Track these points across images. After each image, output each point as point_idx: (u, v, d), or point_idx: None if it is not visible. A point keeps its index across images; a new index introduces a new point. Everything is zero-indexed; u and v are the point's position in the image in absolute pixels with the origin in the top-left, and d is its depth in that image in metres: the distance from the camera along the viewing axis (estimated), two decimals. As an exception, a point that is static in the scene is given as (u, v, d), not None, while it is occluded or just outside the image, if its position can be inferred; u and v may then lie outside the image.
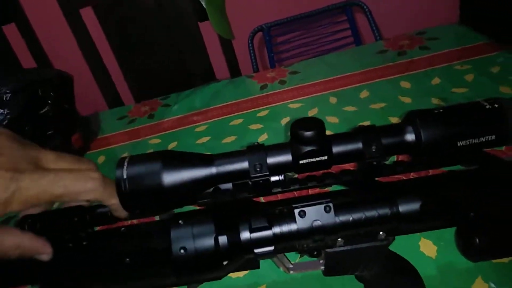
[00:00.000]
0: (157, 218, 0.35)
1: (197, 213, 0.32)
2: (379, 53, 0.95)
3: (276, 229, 0.31)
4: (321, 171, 0.32)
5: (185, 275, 0.31)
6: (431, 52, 0.90)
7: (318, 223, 0.31)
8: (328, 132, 0.30)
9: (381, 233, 0.33)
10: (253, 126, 0.82)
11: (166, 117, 0.95)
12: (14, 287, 0.36)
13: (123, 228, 0.35)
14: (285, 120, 0.82)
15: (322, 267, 0.36)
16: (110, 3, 1.03)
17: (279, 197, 0.36)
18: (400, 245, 0.36)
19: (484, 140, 0.30)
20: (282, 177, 0.31)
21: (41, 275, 0.35)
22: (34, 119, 0.83)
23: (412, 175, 0.41)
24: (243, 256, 0.32)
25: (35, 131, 0.83)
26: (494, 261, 0.46)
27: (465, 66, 0.82)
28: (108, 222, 0.34)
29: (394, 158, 0.51)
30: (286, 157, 0.30)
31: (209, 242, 0.30)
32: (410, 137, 0.30)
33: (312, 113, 0.82)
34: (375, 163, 0.30)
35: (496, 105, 0.30)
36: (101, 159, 0.86)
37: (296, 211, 0.31)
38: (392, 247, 0.35)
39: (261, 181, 0.30)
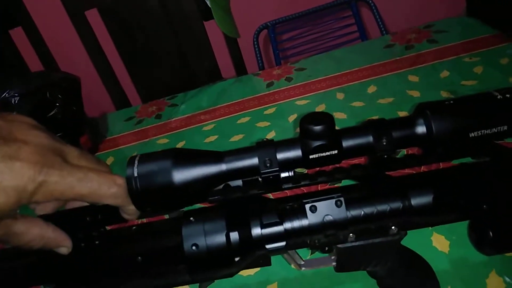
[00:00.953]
0: (167, 216, 0.35)
1: (208, 210, 0.32)
2: (386, 48, 0.94)
3: (287, 225, 0.31)
4: (331, 166, 0.32)
5: (197, 272, 0.31)
6: (439, 45, 0.89)
7: (329, 218, 0.30)
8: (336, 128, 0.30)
9: (393, 227, 0.32)
10: (261, 124, 0.82)
11: (174, 117, 0.95)
12: (30, 287, 0.37)
13: (134, 227, 0.35)
14: (292, 117, 0.81)
15: (334, 263, 0.36)
16: (114, 4, 1.04)
17: (289, 194, 0.35)
18: (412, 240, 0.35)
19: (496, 131, 0.29)
20: (292, 173, 0.31)
21: (55, 275, 0.35)
22: (42, 122, 0.84)
23: (423, 168, 0.41)
24: (254, 252, 0.32)
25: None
26: (508, 254, 0.46)
27: (474, 59, 0.81)
28: (120, 222, 0.34)
29: (404, 152, 0.51)
30: (296, 152, 0.30)
31: (220, 238, 0.30)
32: (421, 129, 0.30)
33: (319, 109, 0.81)
34: (385, 156, 0.30)
35: (508, 95, 0.30)
36: (110, 160, 0.87)
37: (307, 206, 0.31)
38: (404, 242, 0.34)
39: (271, 177, 0.30)
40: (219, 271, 0.32)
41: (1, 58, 1.07)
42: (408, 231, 0.33)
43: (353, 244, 0.33)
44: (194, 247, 0.30)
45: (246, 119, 0.85)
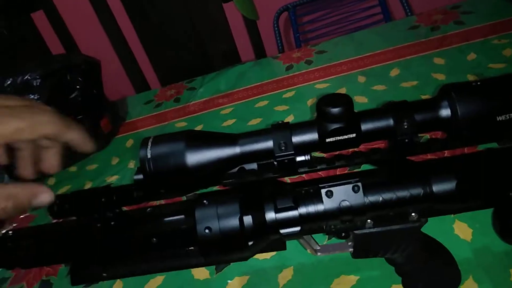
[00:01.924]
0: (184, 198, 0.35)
1: (222, 193, 0.31)
2: (410, 29, 0.91)
3: (302, 210, 0.30)
4: (350, 150, 0.30)
5: (211, 255, 0.31)
6: (466, 26, 0.85)
7: (346, 203, 0.30)
8: (356, 111, 0.29)
9: (413, 214, 0.31)
10: (279, 108, 0.81)
11: (192, 101, 0.95)
12: (48, 266, 0.38)
13: (149, 209, 0.35)
14: (311, 101, 0.80)
15: (351, 249, 0.35)
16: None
17: (306, 178, 0.35)
18: (433, 227, 0.34)
19: (526, 114, 0.28)
20: (308, 157, 0.30)
21: (73, 253, 0.36)
22: (63, 104, 0.85)
23: (447, 153, 0.39)
24: (269, 237, 0.31)
25: (64, 115, 0.85)
26: (534, 244, 0.44)
27: (503, 41, 0.77)
28: (135, 203, 0.34)
29: (427, 137, 0.49)
30: (312, 135, 0.29)
31: (234, 222, 0.29)
32: (445, 112, 0.28)
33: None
34: (406, 140, 0.29)
35: (539, 77, 0.28)
36: (129, 142, 0.88)
37: (323, 191, 0.30)
38: (424, 230, 0.33)
39: (286, 161, 0.29)
40: (233, 255, 0.31)
41: (24, 41, 1.09)
42: (429, 218, 0.32)
43: (371, 230, 0.32)
44: (207, 230, 0.29)
45: (264, 102, 0.84)
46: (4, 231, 0.36)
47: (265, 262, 0.52)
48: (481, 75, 0.71)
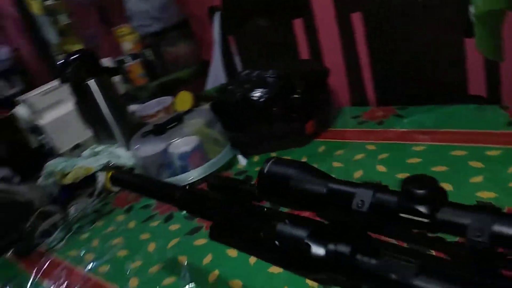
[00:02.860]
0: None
1: (304, 220, 0.37)
2: None
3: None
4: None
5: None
6: None
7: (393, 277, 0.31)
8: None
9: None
10: (474, 164, 0.74)
11: (394, 128, 0.96)
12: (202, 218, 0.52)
13: (265, 209, 0.44)
14: (515, 168, 0.70)
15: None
16: (378, 8, 1.09)
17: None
18: None
19: None
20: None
21: (216, 215, 0.48)
22: (284, 101, 1.02)
23: None
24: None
25: (282, 110, 1.02)
26: None
27: None
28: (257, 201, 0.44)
29: None
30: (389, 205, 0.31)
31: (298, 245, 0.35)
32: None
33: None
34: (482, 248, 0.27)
35: None
36: (321, 148, 0.98)
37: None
38: None
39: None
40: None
41: (279, 43, 1.32)
42: None
43: None
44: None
45: (461, 152, 0.78)
46: None
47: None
48: None
